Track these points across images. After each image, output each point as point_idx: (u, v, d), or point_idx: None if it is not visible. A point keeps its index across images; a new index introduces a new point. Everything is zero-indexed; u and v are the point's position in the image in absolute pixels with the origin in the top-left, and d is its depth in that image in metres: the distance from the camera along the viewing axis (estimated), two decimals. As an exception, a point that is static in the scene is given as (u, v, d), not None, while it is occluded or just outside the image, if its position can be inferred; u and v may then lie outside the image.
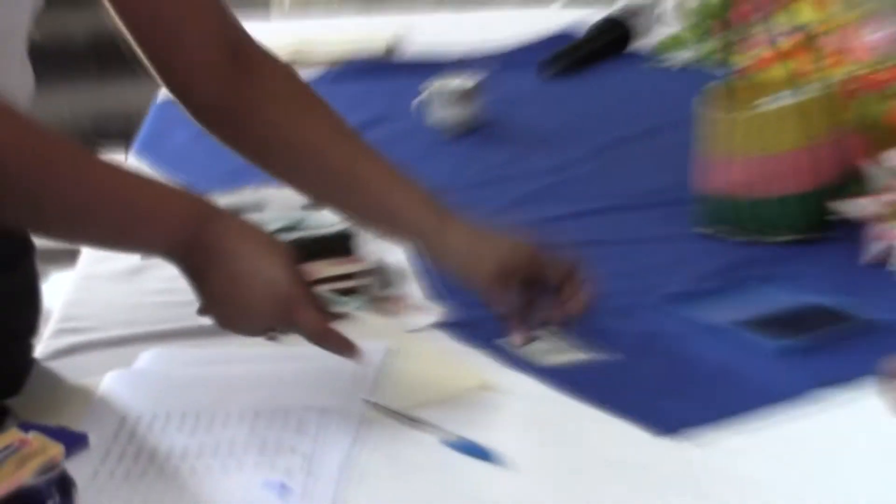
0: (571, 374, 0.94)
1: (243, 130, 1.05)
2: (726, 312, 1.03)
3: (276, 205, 1.37)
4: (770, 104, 1.24)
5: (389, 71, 2.08)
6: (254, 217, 1.06)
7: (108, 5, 1.00)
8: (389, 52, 2.19)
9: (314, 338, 0.90)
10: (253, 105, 1.03)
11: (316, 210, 1.28)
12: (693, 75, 1.75)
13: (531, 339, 1.00)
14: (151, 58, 1.02)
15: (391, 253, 1.21)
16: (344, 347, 0.90)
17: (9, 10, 0.94)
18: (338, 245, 1.21)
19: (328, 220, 1.24)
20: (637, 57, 1.98)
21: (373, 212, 1.05)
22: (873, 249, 1.14)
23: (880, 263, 1.13)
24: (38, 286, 1.07)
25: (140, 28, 1.01)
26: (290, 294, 0.88)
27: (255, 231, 0.91)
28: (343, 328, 0.92)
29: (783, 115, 1.21)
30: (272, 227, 1.22)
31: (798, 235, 1.20)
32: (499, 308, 1.01)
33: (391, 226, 1.05)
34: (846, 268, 1.14)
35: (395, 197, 1.03)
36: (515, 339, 1.00)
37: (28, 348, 1.04)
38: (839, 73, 1.39)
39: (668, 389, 0.91)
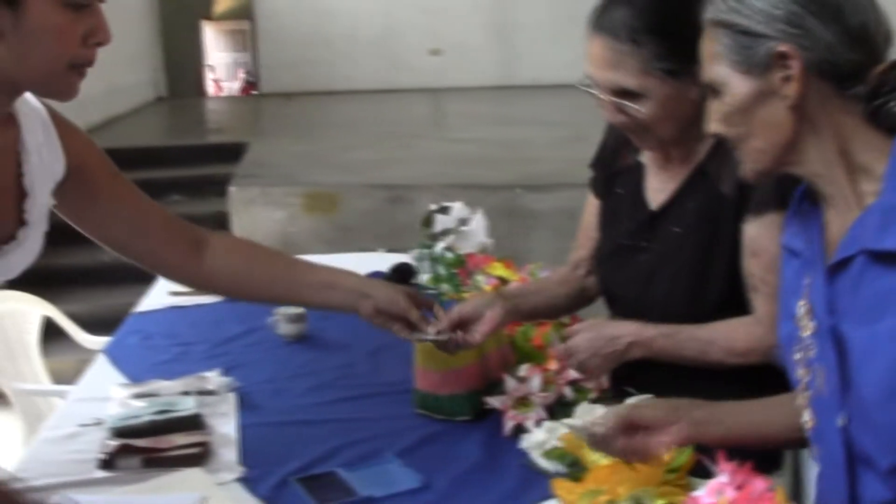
0: None
1: (208, 280, 1.81)
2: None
3: (165, 391, 2.14)
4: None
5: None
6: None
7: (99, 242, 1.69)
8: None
9: None
10: (212, 266, 1.77)
11: (184, 398, 2.05)
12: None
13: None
14: (141, 263, 1.75)
15: (227, 427, 1.97)
16: None
17: None
18: (192, 421, 1.94)
19: (190, 405, 2.00)
20: (416, 287, 2.61)
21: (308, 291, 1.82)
22: (508, 426, 1.89)
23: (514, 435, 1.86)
24: None
25: (127, 253, 1.73)
26: None
27: None
28: (162, 480, 1.64)
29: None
30: (154, 408, 1.98)
31: (469, 417, 1.95)
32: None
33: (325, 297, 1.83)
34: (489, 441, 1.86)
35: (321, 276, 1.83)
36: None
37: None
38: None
39: None
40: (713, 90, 1.35)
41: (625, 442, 1.47)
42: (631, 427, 1.48)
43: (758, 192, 1.73)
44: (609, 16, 1.78)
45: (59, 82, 1.40)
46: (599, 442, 1.49)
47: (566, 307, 2.12)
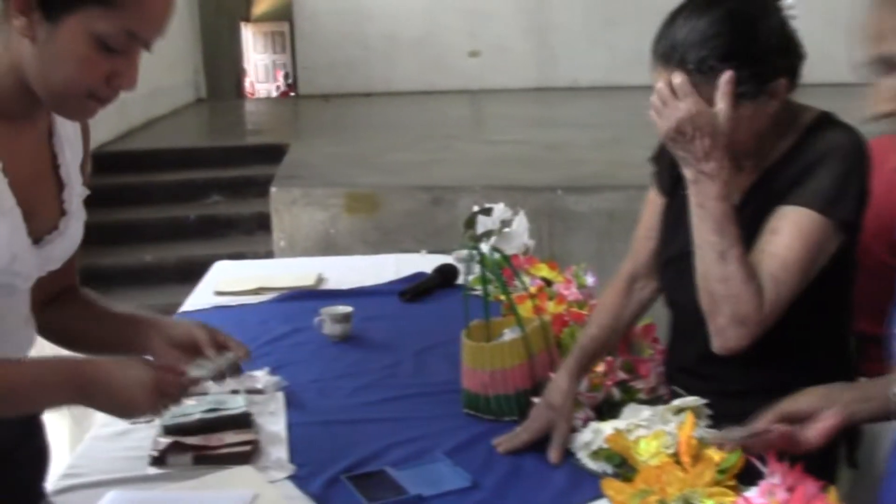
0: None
1: (56, 330, 1.70)
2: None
3: (214, 390, 2.15)
4: (504, 338, 2.02)
5: (315, 296, 2.90)
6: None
7: None
8: (317, 283, 3.09)
9: (178, 391, 1.50)
10: (62, 317, 1.70)
11: (233, 396, 2.07)
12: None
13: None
14: None
15: (276, 425, 1.99)
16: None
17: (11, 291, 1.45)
18: (241, 420, 1.97)
19: (240, 403, 2.03)
20: (459, 288, 2.64)
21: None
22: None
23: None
24: (48, 449, 1.68)
25: None
26: (152, 377, 1.44)
27: (115, 362, 1.46)
28: (213, 477, 1.66)
29: (513, 344, 1.98)
30: (204, 407, 2.00)
31: (517, 417, 1.95)
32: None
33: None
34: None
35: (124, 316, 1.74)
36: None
37: (41, 490, 1.68)
38: (557, 309, 2.20)
39: None
40: (888, 67, 1.24)
41: (782, 433, 1.49)
42: (787, 418, 1.51)
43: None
44: (674, 45, 1.69)
45: (73, 106, 1.41)
46: (755, 440, 1.49)
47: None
